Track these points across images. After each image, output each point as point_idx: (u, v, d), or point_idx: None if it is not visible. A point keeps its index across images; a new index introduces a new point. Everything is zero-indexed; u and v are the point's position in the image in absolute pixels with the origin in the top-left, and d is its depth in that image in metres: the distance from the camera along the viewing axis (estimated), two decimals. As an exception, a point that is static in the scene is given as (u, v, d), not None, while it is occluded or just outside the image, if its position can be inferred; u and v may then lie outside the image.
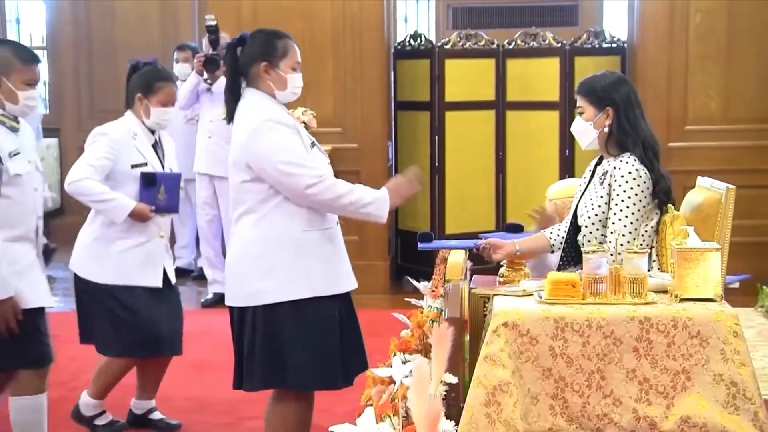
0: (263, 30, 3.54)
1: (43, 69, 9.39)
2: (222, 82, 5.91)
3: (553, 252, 3.69)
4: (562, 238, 3.65)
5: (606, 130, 3.56)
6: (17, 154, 3.42)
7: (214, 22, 6.22)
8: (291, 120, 3.44)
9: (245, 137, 3.36)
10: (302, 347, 3.34)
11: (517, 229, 3.99)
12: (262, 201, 3.35)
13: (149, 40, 8.76)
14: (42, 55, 9.38)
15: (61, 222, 8.28)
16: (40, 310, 3.50)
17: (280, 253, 3.34)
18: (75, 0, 8.99)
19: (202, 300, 6.73)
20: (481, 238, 3.74)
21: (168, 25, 8.87)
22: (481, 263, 3.83)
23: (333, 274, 3.44)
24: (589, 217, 3.53)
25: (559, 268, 3.57)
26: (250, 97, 3.44)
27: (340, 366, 3.42)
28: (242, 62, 3.45)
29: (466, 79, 6.96)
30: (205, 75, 6.34)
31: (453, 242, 3.94)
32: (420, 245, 3.94)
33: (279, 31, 3.52)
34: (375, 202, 3.42)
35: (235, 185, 3.41)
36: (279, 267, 3.33)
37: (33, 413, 3.57)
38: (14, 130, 3.48)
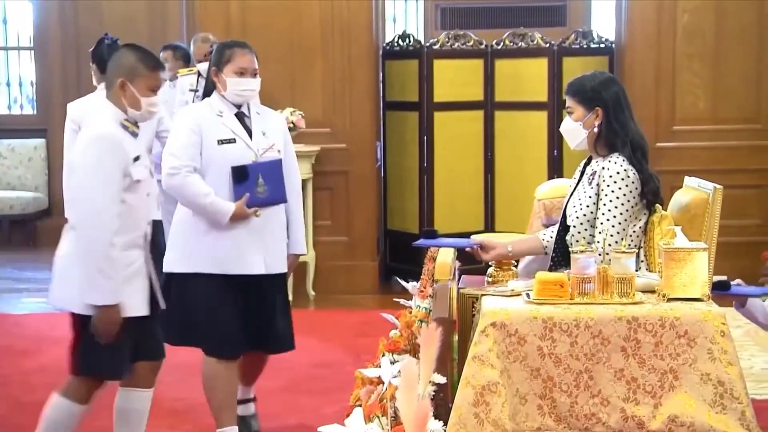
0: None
1: (30, 69, 9.37)
2: None
3: (546, 254, 3.69)
4: (555, 240, 3.65)
5: (595, 130, 3.56)
6: (138, 159, 3.42)
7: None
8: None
9: None
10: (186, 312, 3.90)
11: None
12: None
13: (137, 40, 8.67)
14: (29, 55, 9.36)
15: (48, 223, 8.26)
16: (132, 318, 3.45)
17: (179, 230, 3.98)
18: (62, 0, 8.96)
19: None
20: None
21: (156, 24, 8.84)
22: (470, 263, 3.83)
23: (216, 255, 3.88)
24: (577, 217, 3.53)
25: (550, 269, 3.58)
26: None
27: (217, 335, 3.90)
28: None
29: (454, 79, 6.96)
30: (193, 86, 6.29)
31: (449, 240, 3.90)
32: (423, 241, 3.86)
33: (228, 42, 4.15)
34: None
35: None
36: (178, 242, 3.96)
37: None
38: (135, 135, 3.47)
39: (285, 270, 4.01)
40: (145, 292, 3.50)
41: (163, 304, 3.58)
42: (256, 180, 3.85)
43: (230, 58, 3.93)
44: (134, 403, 3.64)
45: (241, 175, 3.85)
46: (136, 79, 3.43)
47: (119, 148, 3.36)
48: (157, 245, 3.75)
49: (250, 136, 3.94)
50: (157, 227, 4.05)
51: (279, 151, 3.96)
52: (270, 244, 3.94)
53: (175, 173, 3.83)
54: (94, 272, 3.30)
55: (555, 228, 3.71)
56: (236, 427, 3.96)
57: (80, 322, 3.42)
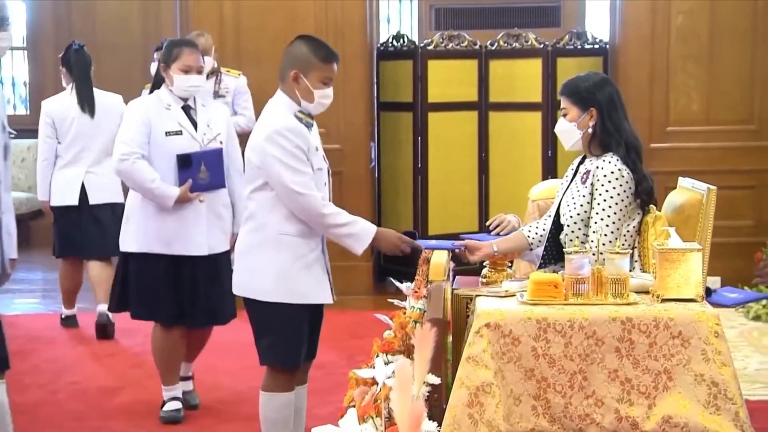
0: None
1: (23, 69, 9.34)
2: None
3: (531, 249, 3.69)
4: (541, 235, 3.65)
5: (590, 130, 3.56)
6: (317, 149, 3.50)
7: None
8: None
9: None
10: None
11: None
12: None
13: (130, 40, 8.72)
14: (22, 55, 9.34)
15: (42, 224, 8.23)
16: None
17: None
18: (55, 0, 8.93)
19: None
20: (463, 239, 3.74)
21: (149, 24, 8.83)
22: (464, 264, 3.83)
23: (164, 236, 4.27)
24: (571, 216, 3.53)
25: (540, 266, 3.58)
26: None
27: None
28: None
29: (448, 79, 6.96)
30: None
31: (433, 242, 3.93)
32: (485, 236, 3.88)
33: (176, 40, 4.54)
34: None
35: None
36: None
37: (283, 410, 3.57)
38: (309, 126, 3.50)
39: (227, 248, 4.35)
40: (324, 279, 3.53)
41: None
42: (198, 167, 4.24)
43: (177, 56, 4.28)
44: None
45: (185, 162, 4.23)
46: (309, 72, 3.44)
47: (302, 137, 3.41)
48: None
49: (195, 128, 4.32)
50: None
51: (221, 142, 4.34)
52: (213, 226, 4.33)
53: (124, 159, 4.23)
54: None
55: (540, 222, 3.71)
56: (179, 388, 4.48)
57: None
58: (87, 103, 5.81)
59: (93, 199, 5.78)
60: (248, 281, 3.47)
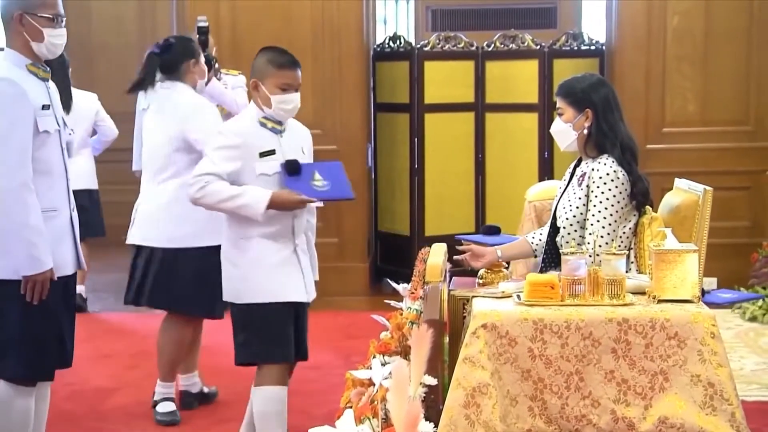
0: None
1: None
2: (213, 83, 6.05)
3: (536, 257, 3.70)
4: (545, 241, 3.65)
5: (585, 131, 3.57)
6: (274, 152, 3.61)
7: (206, 24, 6.23)
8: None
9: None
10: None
11: (494, 231, 3.99)
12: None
13: (126, 41, 8.71)
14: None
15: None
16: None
17: None
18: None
19: None
20: (459, 241, 3.74)
21: (146, 25, 8.82)
22: (461, 265, 3.83)
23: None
24: (567, 218, 3.54)
25: (541, 270, 3.58)
26: (180, 88, 4.39)
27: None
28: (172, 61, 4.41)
29: (445, 81, 6.96)
30: None
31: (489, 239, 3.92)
32: (481, 237, 3.91)
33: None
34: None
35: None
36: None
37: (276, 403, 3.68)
38: (276, 131, 3.66)
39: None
40: (296, 277, 3.69)
41: None
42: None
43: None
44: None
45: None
46: (265, 79, 3.61)
47: (242, 137, 3.60)
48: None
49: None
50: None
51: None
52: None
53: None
54: None
55: (544, 230, 3.72)
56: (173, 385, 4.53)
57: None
58: (64, 98, 5.90)
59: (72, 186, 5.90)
60: (224, 286, 3.69)
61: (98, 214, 6.50)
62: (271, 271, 3.59)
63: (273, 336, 3.59)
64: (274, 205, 3.53)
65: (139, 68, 4.58)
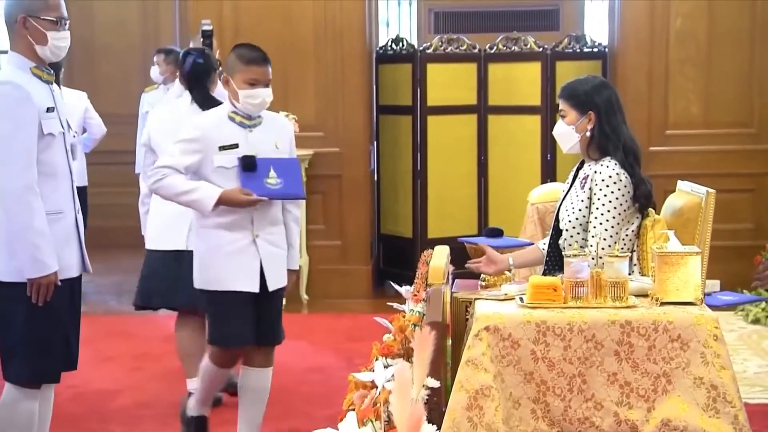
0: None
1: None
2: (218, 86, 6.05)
3: None
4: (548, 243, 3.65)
5: (588, 134, 3.57)
6: (237, 145, 3.71)
7: (210, 28, 6.25)
8: None
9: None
10: None
11: (497, 233, 3.99)
12: None
13: (129, 43, 8.72)
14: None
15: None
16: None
17: None
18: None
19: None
20: (462, 243, 3.74)
21: (149, 28, 8.83)
22: (463, 267, 3.83)
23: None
24: (569, 221, 3.54)
25: (544, 273, 3.58)
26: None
27: None
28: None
29: (447, 83, 6.96)
30: None
31: (499, 241, 3.93)
32: (484, 239, 3.91)
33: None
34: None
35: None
36: None
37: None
38: (244, 126, 3.75)
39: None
40: (250, 267, 3.77)
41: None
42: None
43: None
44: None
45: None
46: (234, 74, 3.71)
47: (201, 130, 3.72)
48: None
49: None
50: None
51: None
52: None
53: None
54: None
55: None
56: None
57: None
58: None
59: None
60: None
61: (86, 212, 6.58)
62: (225, 260, 3.70)
63: (222, 322, 3.77)
64: (222, 203, 3.65)
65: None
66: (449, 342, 3.62)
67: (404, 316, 4.01)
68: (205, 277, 3.77)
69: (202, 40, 6.29)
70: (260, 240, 3.73)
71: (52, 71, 3.38)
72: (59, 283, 3.23)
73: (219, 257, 3.71)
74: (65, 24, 3.31)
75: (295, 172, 3.81)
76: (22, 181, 3.16)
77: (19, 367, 3.26)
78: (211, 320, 3.84)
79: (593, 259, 3.26)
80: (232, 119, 3.74)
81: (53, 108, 3.28)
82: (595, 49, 6.98)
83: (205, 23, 6.29)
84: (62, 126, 3.33)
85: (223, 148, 3.67)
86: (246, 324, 3.74)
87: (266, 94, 3.73)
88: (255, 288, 3.73)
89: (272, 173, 3.70)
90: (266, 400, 3.90)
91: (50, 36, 3.26)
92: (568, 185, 3.68)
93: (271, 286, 3.76)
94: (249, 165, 3.67)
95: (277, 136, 3.80)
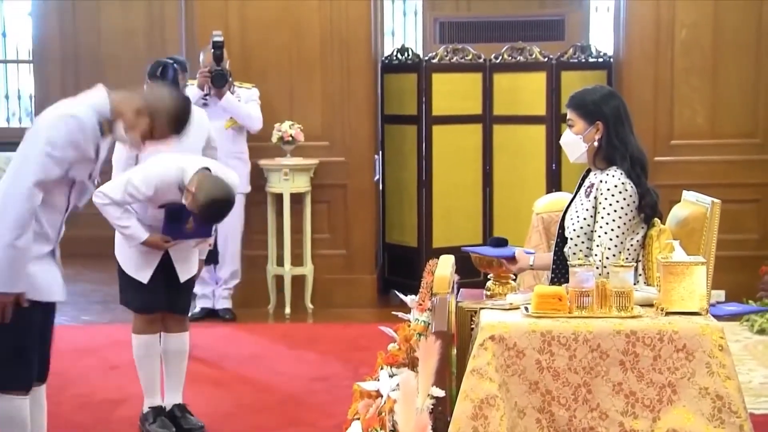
0: None
1: (29, 82, 9.38)
2: (228, 96, 6.13)
3: None
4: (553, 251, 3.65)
5: (595, 144, 3.57)
6: None
7: (221, 38, 6.29)
8: None
9: None
10: None
11: (501, 243, 3.99)
12: None
13: (136, 54, 8.74)
14: (28, 69, 9.38)
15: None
16: None
17: None
18: (62, 14, 8.97)
19: (189, 314, 6.71)
20: (466, 252, 3.74)
21: (155, 38, 8.86)
22: (468, 277, 3.83)
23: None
24: (574, 230, 3.54)
25: (551, 282, 3.58)
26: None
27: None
28: None
29: (453, 93, 6.97)
30: (205, 90, 6.33)
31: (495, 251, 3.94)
32: (488, 250, 3.93)
33: None
34: None
35: None
36: None
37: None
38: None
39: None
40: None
41: None
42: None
43: None
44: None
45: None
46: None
47: None
48: None
49: None
50: None
51: None
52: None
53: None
54: None
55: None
56: None
57: None
58: None
59: None
60: None
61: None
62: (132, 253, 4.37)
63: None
64: (146, 245, 4.28)
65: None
66: (454, 351, 3.62)
67: (409, 326, 4.01)
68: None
69: (213, 51, 6.32)
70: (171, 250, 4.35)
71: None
72: (25, 304, 3.26)
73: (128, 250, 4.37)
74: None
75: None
76: (28, 203, 3.23)
77: None
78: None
79: (598, 268, 3.26)
80: None
81: (92, 159, 3.35)
82: (601, 59, 6.99)
83: (216, 34, 6.33)
84: (90, 176, 3.41)
85: (161, 206, 4.20)
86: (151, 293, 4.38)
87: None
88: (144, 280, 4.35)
89: (191, 221, 4.24)
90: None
91: (147, 143, 3.46)
92: (574, 194, 3.68)
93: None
94: (173, 216, 4.23)
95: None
